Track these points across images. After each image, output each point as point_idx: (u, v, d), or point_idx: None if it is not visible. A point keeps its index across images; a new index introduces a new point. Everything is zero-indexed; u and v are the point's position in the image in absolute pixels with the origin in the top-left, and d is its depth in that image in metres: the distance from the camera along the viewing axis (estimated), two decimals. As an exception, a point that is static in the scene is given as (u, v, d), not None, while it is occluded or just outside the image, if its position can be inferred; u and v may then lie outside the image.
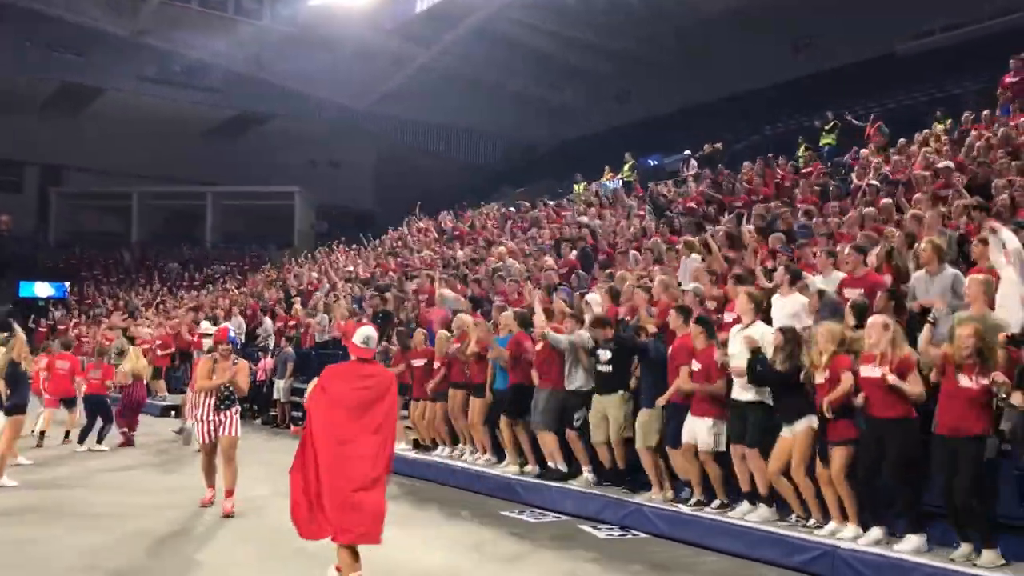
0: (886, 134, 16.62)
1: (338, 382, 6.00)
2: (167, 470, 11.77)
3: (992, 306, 6.81)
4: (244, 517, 8.47)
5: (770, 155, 17.96)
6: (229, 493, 8.63)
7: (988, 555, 5.97)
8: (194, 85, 41.10)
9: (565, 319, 9.60)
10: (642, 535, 7.96)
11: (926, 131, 15.03)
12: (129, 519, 8.27)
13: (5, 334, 10.99)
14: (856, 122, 17.60)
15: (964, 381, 6.10)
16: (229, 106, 42.69)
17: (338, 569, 5.71)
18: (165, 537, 7.67)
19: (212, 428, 8.73)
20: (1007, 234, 7.07)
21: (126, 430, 14.11)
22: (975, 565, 5.94)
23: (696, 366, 7.89)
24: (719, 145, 21.72)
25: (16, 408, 10.12)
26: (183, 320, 20.40)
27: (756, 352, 7.27)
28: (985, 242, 7.71)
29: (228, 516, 8.40)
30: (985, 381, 6.00)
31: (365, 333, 6.17)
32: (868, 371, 6.59)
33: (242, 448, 9.08)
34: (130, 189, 45.01)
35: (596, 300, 9.99)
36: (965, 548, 6.11)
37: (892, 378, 6.35)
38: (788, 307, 7.91)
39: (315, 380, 6.20)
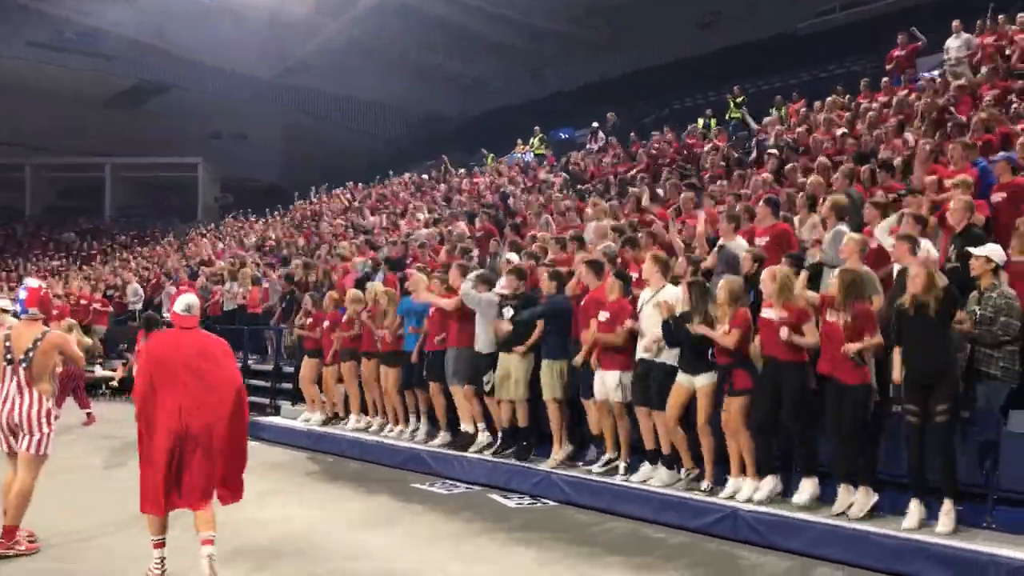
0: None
1: (165, 356, 5.63)
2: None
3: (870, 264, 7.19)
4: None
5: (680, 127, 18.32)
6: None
7: (862, 498, 6.29)
8: (89, 52, 39.45)
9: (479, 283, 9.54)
10: (551, 503, 8.02)
11: (828, 99, 15.49)
12: None
13: None
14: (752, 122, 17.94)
15: (831, 317, 6.48)
16: (128, 75, 41.09)
17: (205, 540, 5.44)
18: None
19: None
20: (926, 244, 7.29)
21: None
22: (844, 514, 6.28)
23: (603, 316, 7.94)
24: (615, 117, 22.08)
25: None
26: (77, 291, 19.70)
27: (671, 314, 7.39)
28: (878, 205, 8.08)
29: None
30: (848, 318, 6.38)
31: (187, 300, 5.81)
32: (766, 312, 6.85)
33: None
34: (23, 160, 43.05)
35: (515, 259, 10.04)
36: (843, 496, 6.41)
37: (784, 333, 6.60)
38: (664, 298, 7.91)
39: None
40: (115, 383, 16.20)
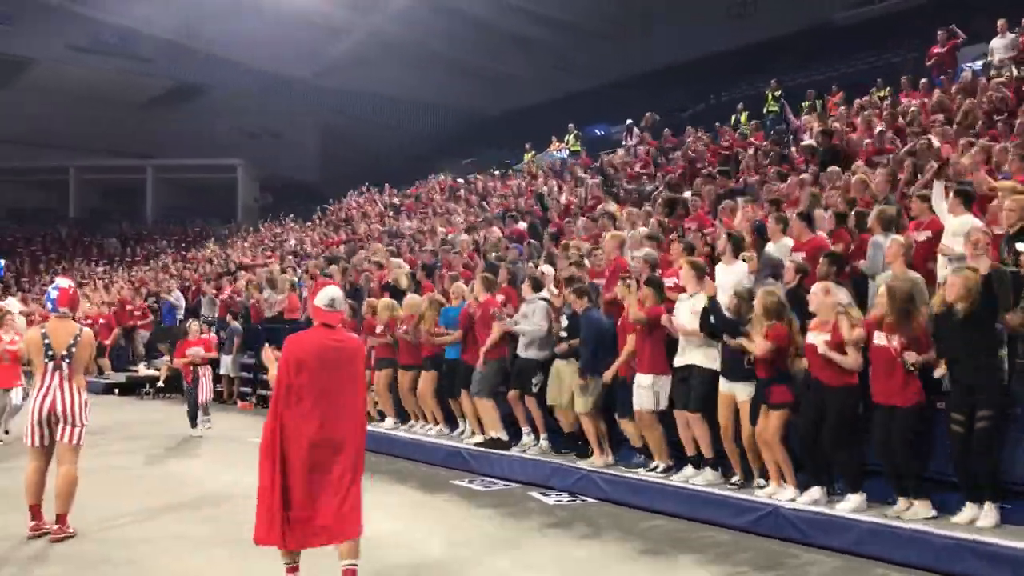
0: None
1: (306, 356, 4.95)
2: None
3: (914, 265, 7.07)
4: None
5: (716, 124, 18.15)
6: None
7: (919, 508, 6.17)
8: (128, 55, 40.01)
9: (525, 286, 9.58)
10: (591, 500, 8.03)
11: (865, 97, 15.28)
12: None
13: None
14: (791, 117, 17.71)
15: (880, 340, 6.32)
16: (166, 76, 41.64)
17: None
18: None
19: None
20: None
21: None
22: (898, 517, 6.16)
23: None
24: (655, 116, 21.84)
25: None
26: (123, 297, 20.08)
27: (710, 300, 7.36)
28: (924, 198, 7.94)
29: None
30: (897, 344, 6.20)
31: (330, 294, 5.12)
32: (811, 337, 6.73)
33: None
34: (66, 163, 43.80)
35: (549, 271, 10.07)
36: (902, 503, 6.31)
37: (822, 348, 6.50)
38: (732, 275, 7.99)
39: (266, 352, 5.44)
40: (160, 383, 16.67)
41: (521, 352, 9.28)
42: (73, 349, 6.71)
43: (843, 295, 6.98)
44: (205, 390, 12.43)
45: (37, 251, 38.09)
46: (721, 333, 7.31)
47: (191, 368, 12.38)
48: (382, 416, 11.58)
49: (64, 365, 6.70)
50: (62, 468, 6.66)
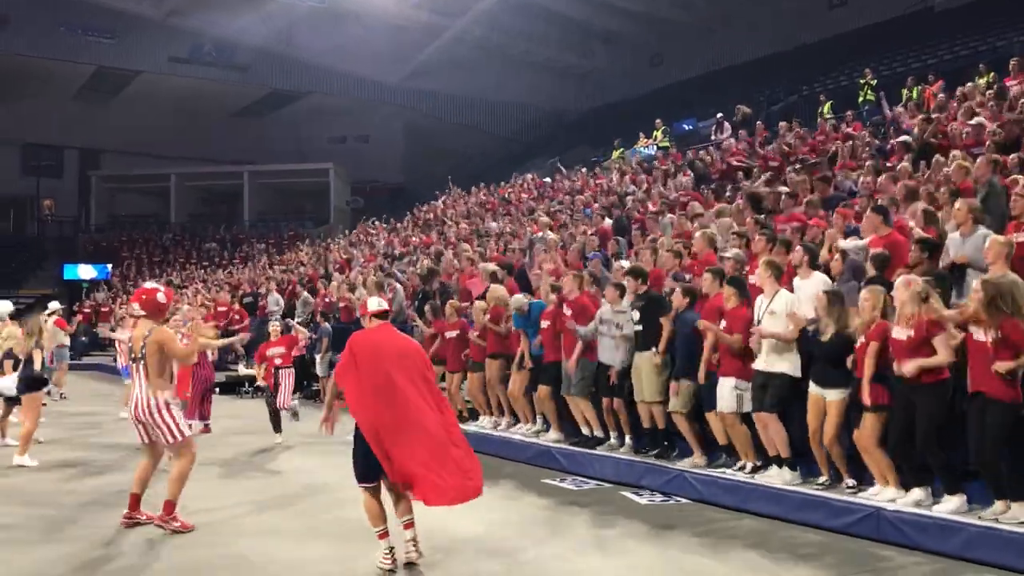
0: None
1: (370, 349, 5.86)
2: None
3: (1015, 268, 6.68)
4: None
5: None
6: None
7: (1017, 510, 5.89)
8: (225, 64, 41.34)
9: (605, 287, 9.51)
10: (684, 501, 7.91)
11: (969, 84, 14.62)
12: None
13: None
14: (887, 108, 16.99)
15: (978, 335, 6.04)
16: (260, 84, 42.84)
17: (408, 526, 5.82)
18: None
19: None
20: None
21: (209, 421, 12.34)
22: (996, 520, 5.89)
23: (723, 325, 7.85)
24: (747, 109, 21.36)
25: (34, 384, 10.23)
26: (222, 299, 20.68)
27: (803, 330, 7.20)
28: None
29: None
30: (990, 341, 5.92)
31: (377, 301, 6.18)
32: (897, 333, 6.48)
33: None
34: (168, 171, 45.50)
35: (626, 266, 9.97)
36: (998, 506, 6.02)
37: (910, 369, 6.23)
38: (809, 289, 7.74)
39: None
40: (260, 382, 17.00)
41: (604, 359, 9.17)
42: (143, 351, 6.81)
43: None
44: (285, 393, 11.78)
45: (141, 255, 39.65)
46: (816, 359, 7.12)
47: (272, 372, 11.80)
48: (473, 415, 11.66)
49: (141, 367, 6.84)
50: (174, 462, 6.95)
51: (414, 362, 5.90)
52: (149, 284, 7.53)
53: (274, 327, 12.64)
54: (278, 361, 11.83)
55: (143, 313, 7.02)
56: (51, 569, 5.98)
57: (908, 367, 6.26)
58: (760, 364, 7.54)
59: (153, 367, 6.82)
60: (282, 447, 11.30)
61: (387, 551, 5.73)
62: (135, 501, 6.99)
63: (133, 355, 6.91)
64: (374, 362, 5.75)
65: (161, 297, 7.18)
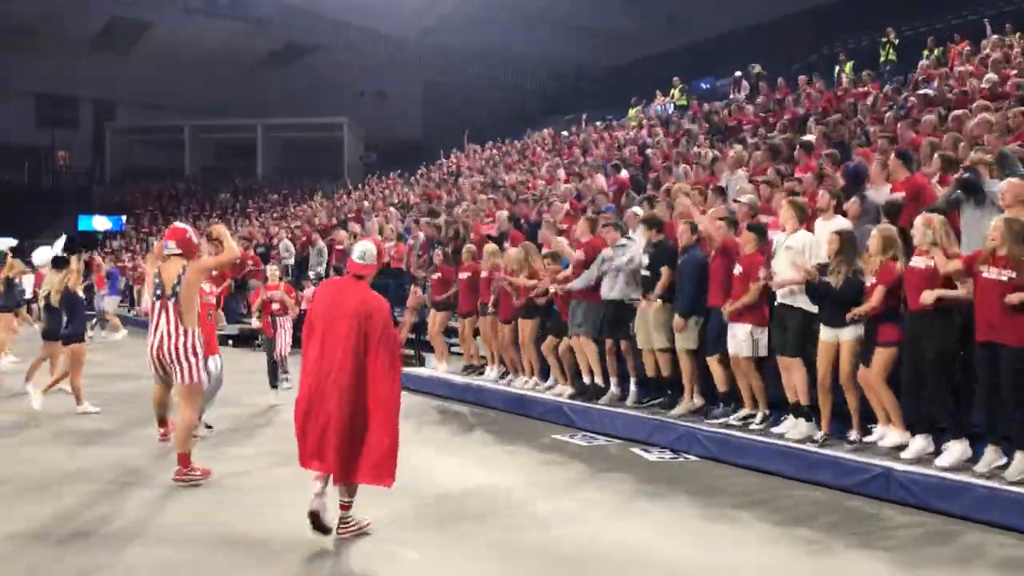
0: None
1: (323, 301, 5.47)
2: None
3: None
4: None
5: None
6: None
7: (1019, 465, 5.86)
8: (240, 16, 41.03)
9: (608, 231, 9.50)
10: (693, 458, 7.89)
11: (994, 37, 14.37)
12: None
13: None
14: None
15: (990, 273, 5.96)
16: (276, 37, 42.57)
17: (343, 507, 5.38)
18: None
19: None
20: None
21: None
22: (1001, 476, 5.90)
23: (738, 269, 7.85)
24: (760, 69, 21.13)
25: (74, 336, 10.26)
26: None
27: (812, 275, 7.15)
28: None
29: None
30: (1007, 278, 5.84)
31: (362, 247, 5.49)
32: (916, 261, 6.49)
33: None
34: (182, 123, 45.42)
35: (639, 212, 9.93)
36: (990, 454, 6.03)
37: (927, 297, 6.22)
38: (832, 230, 7.72)
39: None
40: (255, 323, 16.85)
41: (606, 294, 9.21)
42: (178, 288, 6.75)
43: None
44: (284, 342, 11.10)
45: (154, 208, 39.74)
46: (824, 300, 7.09)
47: (270, 318, 11.07)
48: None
49: (170, 304, 6.78)
50: (180, 410, 6.86)
51: (371, 323, 5.22)
52: (179, 224, 7.45)
53: (272, 270, 11.88)
54: (275, 307, 11.05)
55: (179, 252, 6.95)
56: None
57: (927, 296, 6.23)
58: (777, 297, 7.54)
59: (187, 303, 6.82)
60: (278, 409, 10.26)
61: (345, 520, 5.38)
62: (163, 422, 7.56)
63: (163, 293, 6.82)
64: (324, 321, 5.32)
65: (193, 236, 7.19)
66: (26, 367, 11.07)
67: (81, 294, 10.84)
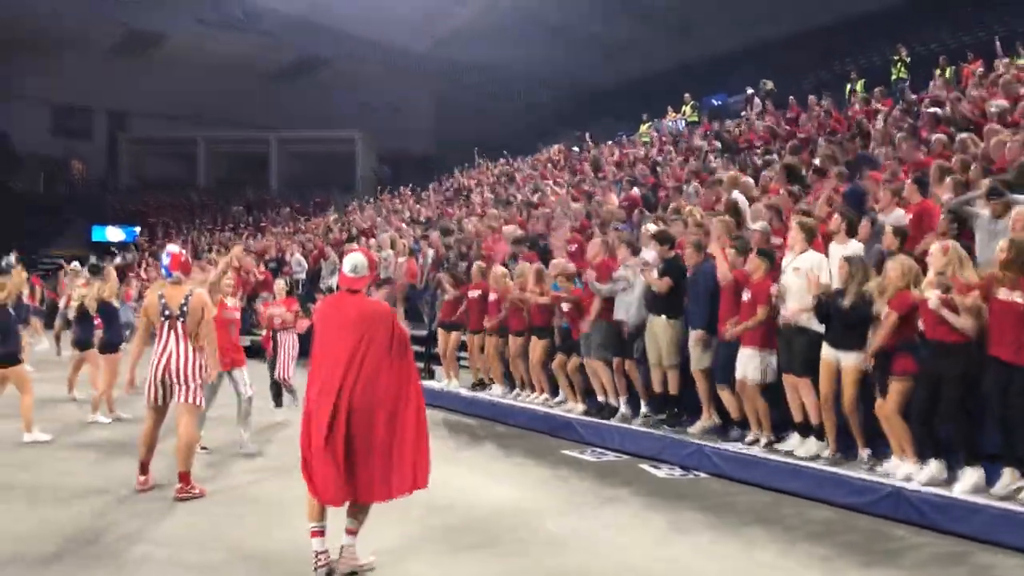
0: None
1: (322, 322, 5.25)
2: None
3: None
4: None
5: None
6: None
7: None
8: (254, 29, 41.32)
9: (620, 249, 9.54)
10: (703, 475, 7.90)
11: (1005, 60, 14.38)
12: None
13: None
14: None
15: (1002, 294, 5.98)
16: (289, 50, 42.85)
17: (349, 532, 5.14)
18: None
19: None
20: None
21: None
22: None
23: (746, 295, 7.84)
24: (771, 86, 21.17)
25: (111, 346, 10.37)
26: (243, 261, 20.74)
27: (822, 291, 7.18)
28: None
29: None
30: (1019, 299, 5.84)
31: (353, 260, 5.26)
32: (929, 293, 6.45)
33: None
34: (196, 134, 45.66)
35: (653, 229, 9.95)
36: (1008, 476, 6.00)
37: (934, 302, 6.19)
38: (843, 255, 7.73)
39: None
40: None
41: (618, 316, 9.23)
42: (185, 308, 6.91)
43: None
44: (286, 363, 10.56)
45: (167, 218, 39.89)
46: (833, 321, 7.08)
47: (272, 334, 10.66)
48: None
49: (179, 324, 6.93)
50: (181, 428, 6.90)
51: (379, 327, 5.05)
52: (173, 248, 7.50)
53: (279, 285, 11.41)
54: (277, 322, 10.53)
55: (180, 277, 7.13)
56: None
57: (932, 301, 6.20)
58: (786, 317, 7.53)
59: (194, 326, 6.98)
60: (282, 427, 10.10)
61: (318, 553, 5.04)
62: (144, 468, 7.06)
63: (170, 314, 6.92)
64: (327, 333, 5.13)
65: (185, 257, 7.39)
66: (38, 376, 11.13)
67: (116, 304, 10.96)
